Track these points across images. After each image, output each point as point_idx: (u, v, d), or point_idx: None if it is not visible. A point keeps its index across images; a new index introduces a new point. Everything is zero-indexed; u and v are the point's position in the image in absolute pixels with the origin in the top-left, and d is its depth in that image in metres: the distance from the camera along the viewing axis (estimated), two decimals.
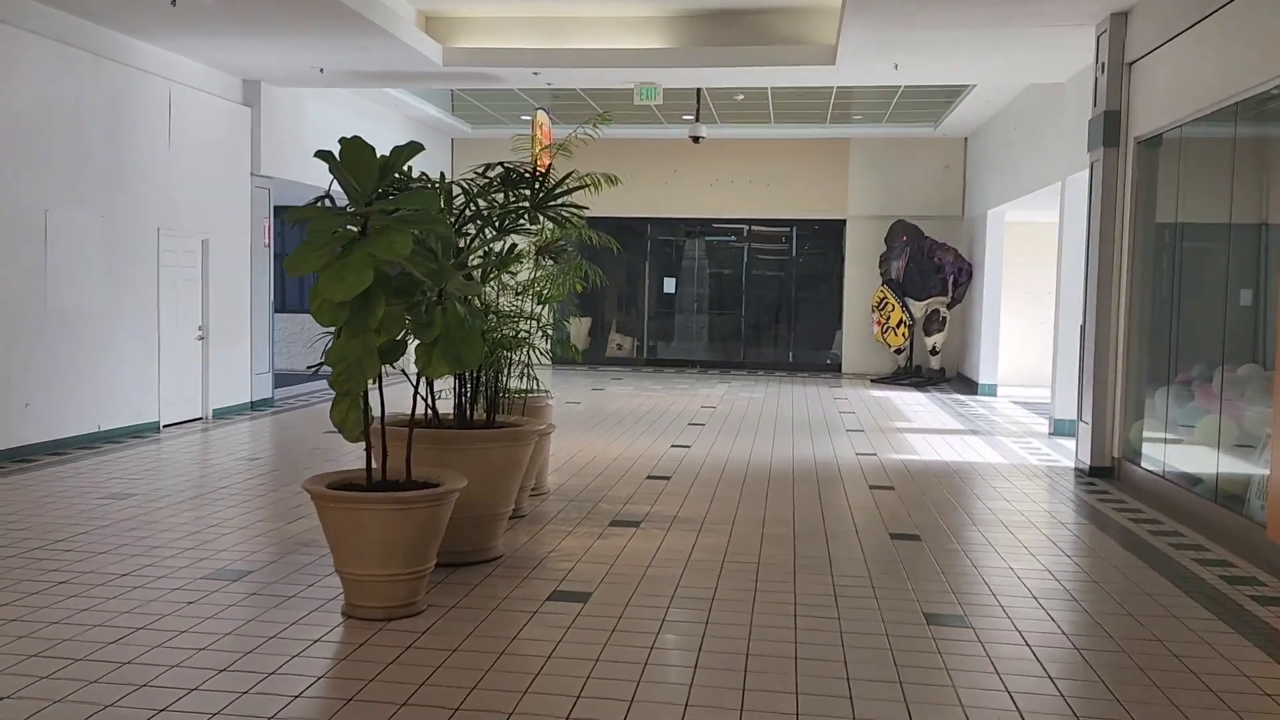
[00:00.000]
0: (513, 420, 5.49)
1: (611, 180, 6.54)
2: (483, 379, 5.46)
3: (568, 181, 5.27)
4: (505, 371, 5.70)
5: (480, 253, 5.17)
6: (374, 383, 4.03)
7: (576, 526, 5.83)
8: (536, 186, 5.15)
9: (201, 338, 9.79)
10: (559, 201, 5.21)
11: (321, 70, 9.82)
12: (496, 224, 5.04)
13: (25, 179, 7.62)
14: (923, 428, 10.37)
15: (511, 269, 5.35)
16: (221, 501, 6.26)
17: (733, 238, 17.02)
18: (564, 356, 6.66)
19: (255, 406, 10.76)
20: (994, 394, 13.58)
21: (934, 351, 14.93)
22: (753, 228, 16.69)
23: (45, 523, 5.59)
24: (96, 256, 8.40)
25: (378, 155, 3.95)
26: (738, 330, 16.82)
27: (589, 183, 5.64)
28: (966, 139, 15.55)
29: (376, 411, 4.20)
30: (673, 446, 8.78)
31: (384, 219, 3.83)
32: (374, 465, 4.23)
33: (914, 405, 12.33)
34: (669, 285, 17.06)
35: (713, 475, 7.51)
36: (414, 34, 9.25)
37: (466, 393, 5.24)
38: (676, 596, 4.53)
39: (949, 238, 15.27)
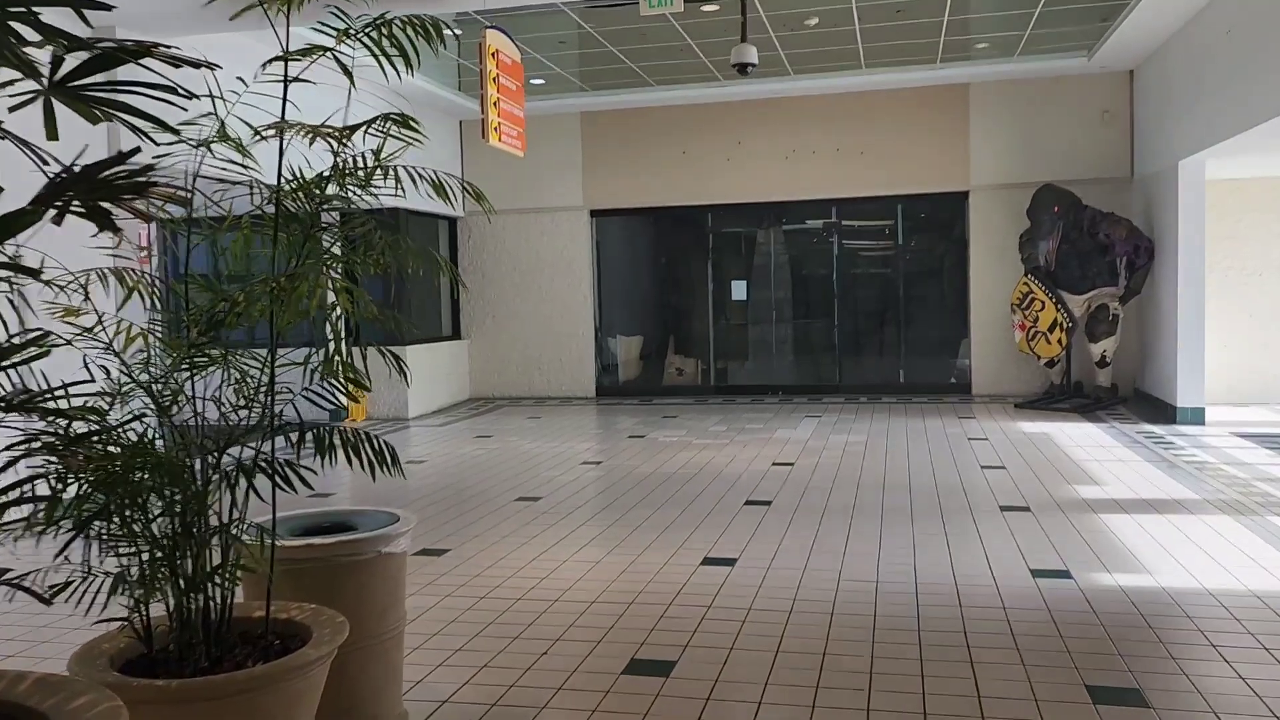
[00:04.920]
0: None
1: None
2: None
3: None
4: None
5: None
6: None
7: None
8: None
9: None
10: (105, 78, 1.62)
11: None
12: None
13: None
14: (1126, 496, 6.47)
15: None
16: None
17: (818, 224, 13.24)
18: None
19: None
20: (1201, 421, 9.49)
21: (1102, 363, 10.87)
22: (844, 210, 12.87)
23: None
24: None
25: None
26: (830, 344, 13.00)
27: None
28: (1132, 72, 11.45)
29: None
30: (705, 563, 5.16)
31: None
32: None
33: (1091, 447, 8.38)
34: (739, 290, 13.37)
35: (760, 650, 3.88)
36: None
37: None
38: None
39: (1116, 206, 11.21)
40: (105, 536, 2.32)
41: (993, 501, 6.40)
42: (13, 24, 1.49)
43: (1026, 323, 10.97)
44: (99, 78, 1.61)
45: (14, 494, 1.87)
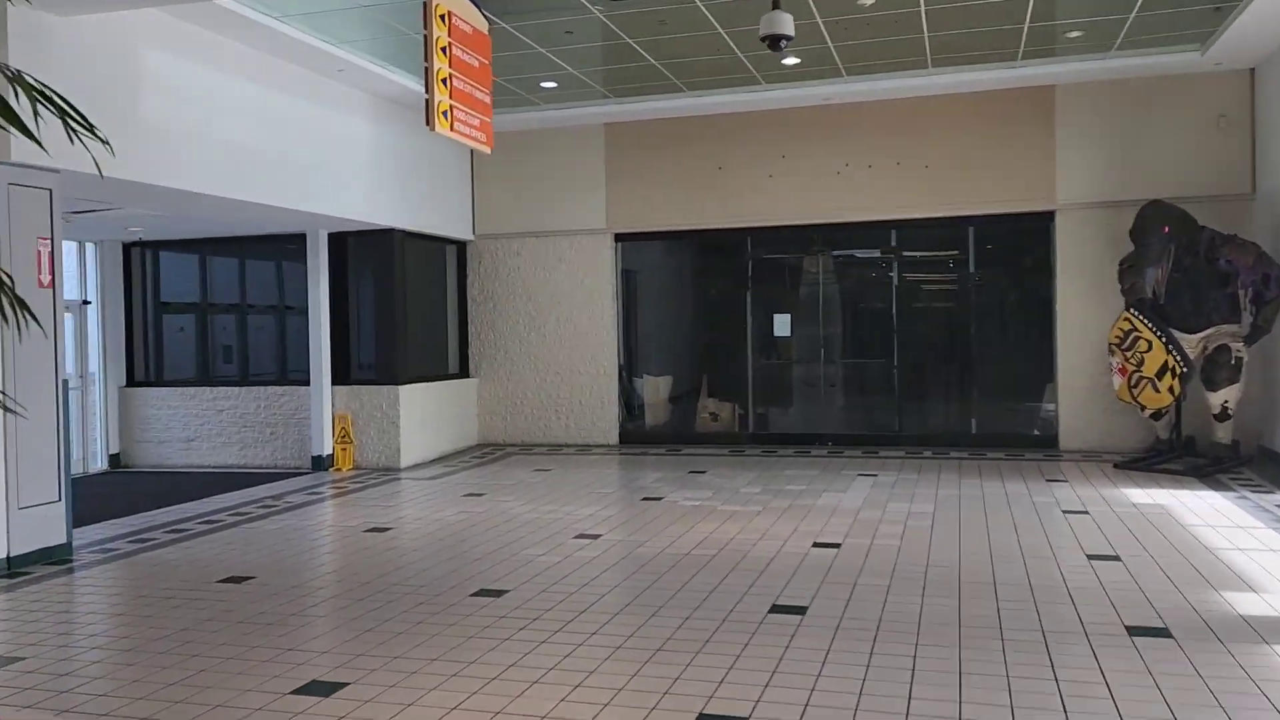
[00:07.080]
0: None
1: None
2: None
3: None
4: None
5: None
6: None
7: None
8: None
9: None
10: None
11: None
12: None
13: None
14: None
15: None
16: None
17: (875, 251, 11.54)
18: None
19: (16, 564, 6.15)
20: None
21: (1223, 415, 8.96)
22: (905, 234, 11.17)
23: None
24: None
25: None
26: (888, 387, 11.24)
27: None
28: (1254, 70, 9.64)
29: None
30: None
31: None
32: None
33: (1225, 527, 6.53)
34: (781, 325, 11.69)
35: None
36: None
37: None
38: None
39: (1233, 228, 9.36)
40: None
41: (1114, 618, 4.63)
42: None
43: (1128, 366, 9.12)
44: None
45: None
